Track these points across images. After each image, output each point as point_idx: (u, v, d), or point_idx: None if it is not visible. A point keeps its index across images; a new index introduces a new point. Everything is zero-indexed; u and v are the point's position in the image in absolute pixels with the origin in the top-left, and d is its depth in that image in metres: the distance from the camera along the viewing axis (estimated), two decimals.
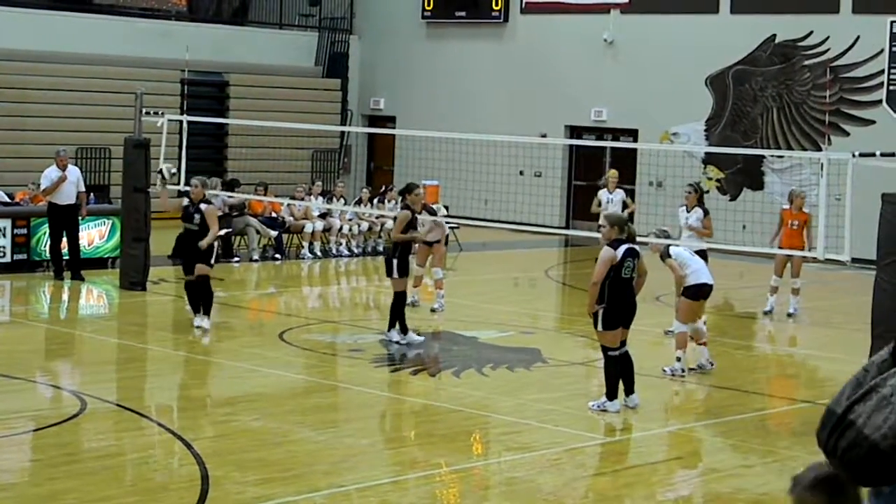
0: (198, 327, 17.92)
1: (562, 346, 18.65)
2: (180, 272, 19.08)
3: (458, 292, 21.82)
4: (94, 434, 12.87)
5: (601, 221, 18.43)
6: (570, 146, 33.36)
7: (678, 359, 16.14)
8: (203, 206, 17.87)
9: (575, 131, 33.77)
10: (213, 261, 18.17)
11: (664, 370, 16.09)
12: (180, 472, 11.39)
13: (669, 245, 16.48)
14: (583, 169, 33.82)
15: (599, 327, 13.98)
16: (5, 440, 12.41)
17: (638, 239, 14.35)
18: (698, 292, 16.18)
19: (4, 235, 23.02)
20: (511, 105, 34.18)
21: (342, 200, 28.12)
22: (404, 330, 17.55)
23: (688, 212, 19.43)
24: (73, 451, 12.17)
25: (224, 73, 34.65)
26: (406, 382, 15.71)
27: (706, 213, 19.50)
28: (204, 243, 17.76)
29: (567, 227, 33.08)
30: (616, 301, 13.82)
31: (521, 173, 32.49)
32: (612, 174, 23.89)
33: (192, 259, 17.99)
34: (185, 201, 18.21)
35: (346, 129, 34.93)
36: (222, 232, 22.92)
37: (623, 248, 13.85)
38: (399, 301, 17.57)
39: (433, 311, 20.33)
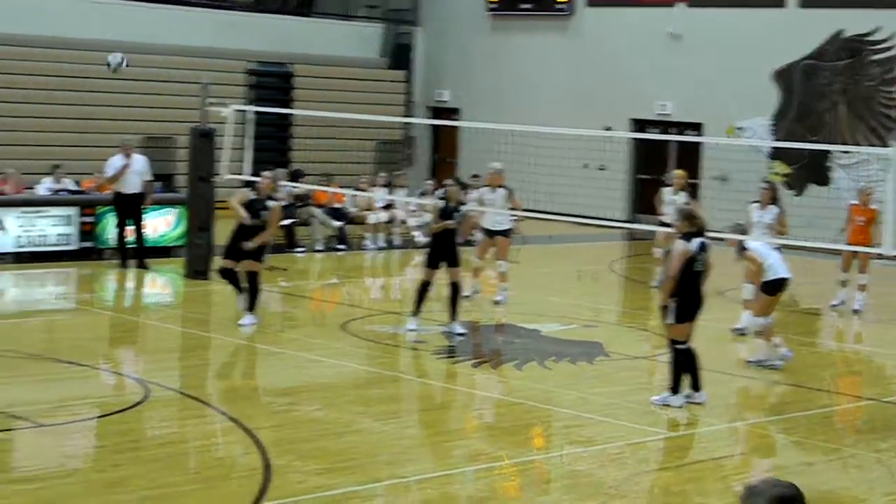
0: (240, 325, 17.59)
1: (624, 339, 18.58)
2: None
3: (521, 285, 21.77)
4: (158, 421, 12.95)
5: (672, 218, 18.24)
6: (635, 140, 33.24)
7: (776, 345, 16.15)
8: (270, 203, 17.80)
9: (639, 125, 33.63)
10: (264, 256, 17.97)
11: (772, 364, 16.05)
12: (242, 461, 11.43)
13: (746, 239, 16.45)
14: (646, 163, 33.69)
15: (671, 320, 13.89)
16: (70, 426, 12.51)
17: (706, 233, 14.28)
18: (776, 287, 16.12)
19: (72, 223, 23.21)
20: (575, 98, 34.10)
21: (404, 191, 28.12)
22: (414, 313, 17.62)
23: (761, 209, 19.14)
24: (137, 437, 12.25)
25: (289, 63, 34.75)
26: (468, 374, 15.70)
27: (782, 210, 19.28)
28: (258, 241, 17.57)
29: (630, 222, 32.94)
30: (688, 294, 13.76)
31: (586, 166, 32.37)
32: (679, 174, 23.44)
33: (244, 252, 17.66)
34: (252, 193, 18.03)
35: (409, 120, 34.92)
36: (287, 222, 23.06)
37: (696, 241, 13.78)
38: (420, 287, 17.64)
39: (496, 303, 20.29)
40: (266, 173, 18.35)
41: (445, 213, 17.68)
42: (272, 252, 18.88)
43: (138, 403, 13.27)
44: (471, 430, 13.46)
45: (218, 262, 18.80)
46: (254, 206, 17.69)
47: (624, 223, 31.60)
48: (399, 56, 37.41)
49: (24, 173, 26.04)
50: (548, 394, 14.60)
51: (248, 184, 19.37)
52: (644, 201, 31.69)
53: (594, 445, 12.53)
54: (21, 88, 29.98)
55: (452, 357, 16.46)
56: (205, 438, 12.35)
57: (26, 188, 25.26)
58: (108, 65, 20.09)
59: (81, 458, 11.70)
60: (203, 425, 12.88)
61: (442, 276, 17.77)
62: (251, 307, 17.64)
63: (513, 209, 20.94)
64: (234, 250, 17.72)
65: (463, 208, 18.15)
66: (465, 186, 20.16)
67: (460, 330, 17.58)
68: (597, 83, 34.02)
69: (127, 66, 20.10)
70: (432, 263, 17.66)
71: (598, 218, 25.82)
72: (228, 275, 17.85)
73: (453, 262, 17.61)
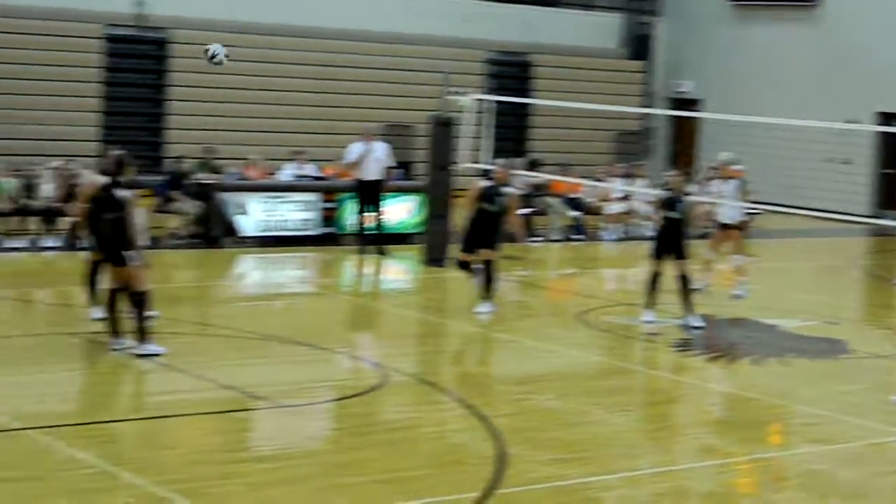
0: (477, 313, 17.59)
1: (867, 337, 18.12)
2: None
3: (760, 280, 21.39)
4: (394, 406, 13.10)
5: None
6: (881, 133, 32.40)
7: None
8: (506, 191, 17.86)
9: (886, 118, 32.74)
10: (499, 244, 17.97)
11: None
12: (475, 448, 11.48)
13: None
14: (893, 157, 32.80)
15: None
16: (309, 408, 12.75)
17: None
18: None
19: (313, 209, 23.65)
20: (819, 90, 33.39)
21: (643, 182, 27.92)
22: (648, 305, 17.46)
23: None
24: (373, 421, 12.41)
25: (527, 53, 34.82)
26: (704, 368, 15.51)
27: None
28: (512, 230, 17.74)
29: (874, 217, 32.12)
30: None
31: (829, 160, 31.70)
32: None
33: (481, 241, 17.71)
34: (487, 182, 18.12)
35: (648, 111, 34.68)
36: (524, 211, 23.09)
37: None
38: (650, 278, 17.50)
39: (735, 297, 19.94)
40: (500, 161, 18.42)
41: (668, 204, 17.53)
42: (508, 241, 18.93)
43: (375, 388, 13.45)
44: (705, 424, 13.28)
45: (455, 251, 18.92)
46: (489, 194, 17.77)
47: (867, 218, 30.90)
48: (638, 46, 37.16)
49: (267, 159, 26.64)
50: (786, 390, 14.34)
51: (485, 173, 19.46)
52: (889, 196, 30.89)
53: (832, 444, 12.25)
54: (266, 76, 30.67)
55: (688, 350, 16.26)
56: (439, 424, 12.45)
57: (270, 174, 25.83)
58: (212, 56, 19.43)
59: (318, 439, 11.91)
60: (437, 411, 12.98)
61: (672, 268, 17.57)
62: (488, 295, 17.70)
63: (747, 202, 20.62)
64: (470, 241, 17.81)
65: (687, 199, 17.91)
66: (689, 177, 19.92)
67: (697, 323, 17.37)
68: (841, 74, 33.25)
69: (222, 59, 19.17)
70: (657, 254, 17.52)
71: (840, 212, 25.28)
72: (465, 266, 17.95)
73: (680, 253, 17.40)
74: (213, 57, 18.24)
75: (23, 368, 13.45)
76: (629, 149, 35.33)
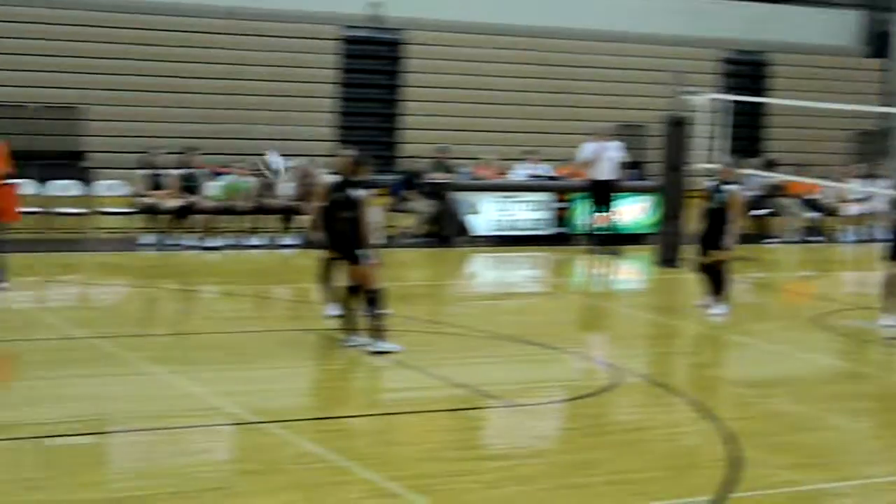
0: (711, 314, 17.36)
1: None
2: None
3: None
4: (625, 407, 13.01)
5: None
6: None
7: None
8: (728, 188, 17.59)
9: None
10: (732, 245, 17.61)
11: None
12: (708, 451, 11.32)
13: None
14: None
15: None
16: (540, 407, 12.74)
17: None
18: None
19: (546, 209, 23.67)
20: None
21: (884, 183, 27.21)
22: (887, 309, 16.87)
23: None
24: (605, 422, 12.35)
25: (762, 52, 34.26)
26: None
27: None
28: (733, 233, 17.49)
29: None
30: None
31: None
32: None
33: (711, 241, 17.50)
34: (713, 181, 17.88)
35: (889, 110, 33.78)
36: (759, 212, 22.77)
37: None
38: (887, 280, 16.95)
39: None
40: (725, 159, 18.22)
41: None
42: (741, 242, 18.62)
43: (607, 388, 13.38)
44: None
45: (688, 252, 18.70)
46: (711, 192, 17.60)
47: None
48: (878, 44, 36.23)
49: (500, 159, 26.73)
50: None
51: (710, 172, 19.25)
52: None
53: None
54: (499, 76, 30.75)
55: None
56: (671, 426, 12.31)
57: (502, 174, 25.93)
58: (269, 168, 19.68)
59: (550, 438, 11.89)
60: (670, 413, 12.84)
61: None
62: (721, 296, 17.46)
63: None
64: (703, 243, 17.59)
65: None
66: None
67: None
68: None
69: (282, 170, 18.98)
70: (893, 256, 17.00)
71: None
72: (701, 269, 17.68)
73: None
74: (272, 168, 18.49)
75: (260, 363, 13.75)
76: (867, 149, 34.46)
